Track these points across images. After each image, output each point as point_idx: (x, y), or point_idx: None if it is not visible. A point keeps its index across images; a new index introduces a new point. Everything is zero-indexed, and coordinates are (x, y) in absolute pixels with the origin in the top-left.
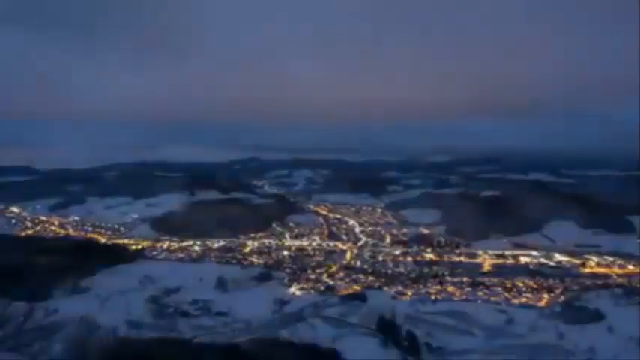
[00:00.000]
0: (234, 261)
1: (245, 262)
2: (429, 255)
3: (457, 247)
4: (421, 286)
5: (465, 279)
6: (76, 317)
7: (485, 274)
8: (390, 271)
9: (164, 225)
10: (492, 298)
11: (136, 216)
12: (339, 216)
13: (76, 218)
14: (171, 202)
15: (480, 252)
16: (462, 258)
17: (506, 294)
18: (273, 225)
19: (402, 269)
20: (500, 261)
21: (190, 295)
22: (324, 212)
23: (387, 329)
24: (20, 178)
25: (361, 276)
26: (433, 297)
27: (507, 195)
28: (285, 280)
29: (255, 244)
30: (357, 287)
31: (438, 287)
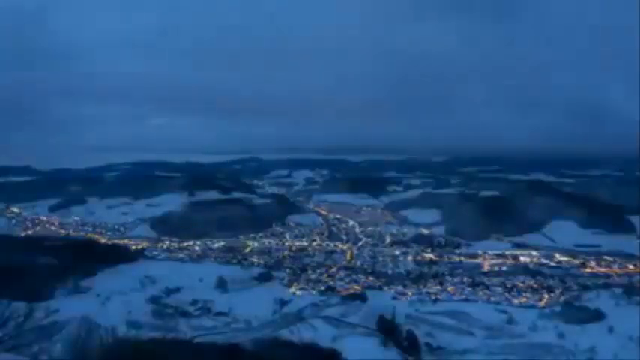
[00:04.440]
0: (234, 261)
1: (245, 262)
2: (429, 255)
3: (457, 247)
4: (421, 286)
5: (465, 279)
6: (76, 317)
7: (485, 274)
8: (390, 271)
9: (164, 225)
10: (492, 298)
11: (136, 216)
12: (339, 216)
13: (76, 218)
14: (171, 202)
15: (479, 252)
16: (462, 258)
17: (507, 294)
18: (273, 225)
19: (402, 269)
20: (500, 261)
21: (190, 295)
22: (324, 212)
23: (387, 329)
24: (20, 178)
25: (361, 276)
26: (433, 297)
27: (507, 195)
28: (285, 280)
29: (255, 244)
30: (357, 287)
31: (438, 287)
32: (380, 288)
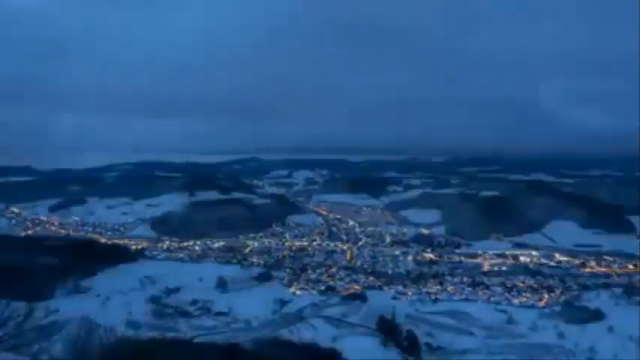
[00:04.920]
0: (234, 261)
1: (245, 262)
2: (429, 255)
3: (457, 247)
4: (421, 286)
5: (465, 279)
6: (76, 317)
7: (485, 274)
8: (390, 271)
9: (164, 225)
10: (492, 298)
11: (136, 216)
12: (339, 216)
13: (76, 218)
14: (171, 202)
15: (479, 252)
16: (462, 258)
17: (507, 294)
18: (273, 225)
19: (402, 269)
20: (500, 261)
21: (190, 295)
22: (324, 212)
23: (387, 329)
24: (20, 178)
25: (361, 276)
26: (433, 297)
27: (507, 195)
28: (285, 280)
29: (255, 244)
30: (357, 287)
31: (438, 287)
32: (380, 288)
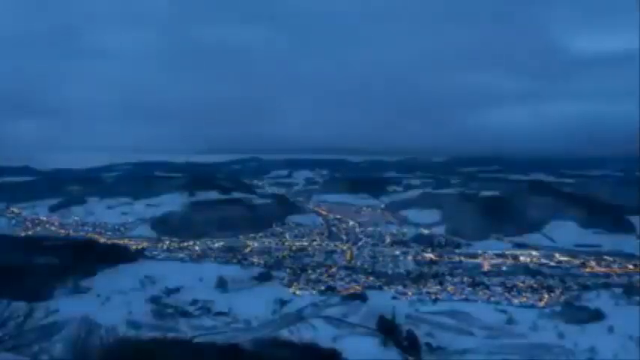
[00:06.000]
0: (234, 261)
1: (245, 262)
2: (429, 255)
3: (457, 247)
4: (421, 286)
5: (465, 279)
6: (76, 317)
7: (485, 274)
8: (390, 271)
9: (164, 225)
10: (492, 298)
11: (136, 216)
12: (339, 216)
13: (76, 218)
14: (171, 202)
15: (479, 252)
16: (462, 258)
17: (507, 294)
18: (273, 225)
19: (402, 269)
20: (500, 261)
21: (190, 295)
22: (324, 212)
23: (387, 329)
24: (20, 178)
25: (361, 276)
26: (433, 297)
27: (507, 195)
28: (285, 280)
29: (255, 244)
30: (357, 287)
31: (438, 287)
32: (380, 288)
